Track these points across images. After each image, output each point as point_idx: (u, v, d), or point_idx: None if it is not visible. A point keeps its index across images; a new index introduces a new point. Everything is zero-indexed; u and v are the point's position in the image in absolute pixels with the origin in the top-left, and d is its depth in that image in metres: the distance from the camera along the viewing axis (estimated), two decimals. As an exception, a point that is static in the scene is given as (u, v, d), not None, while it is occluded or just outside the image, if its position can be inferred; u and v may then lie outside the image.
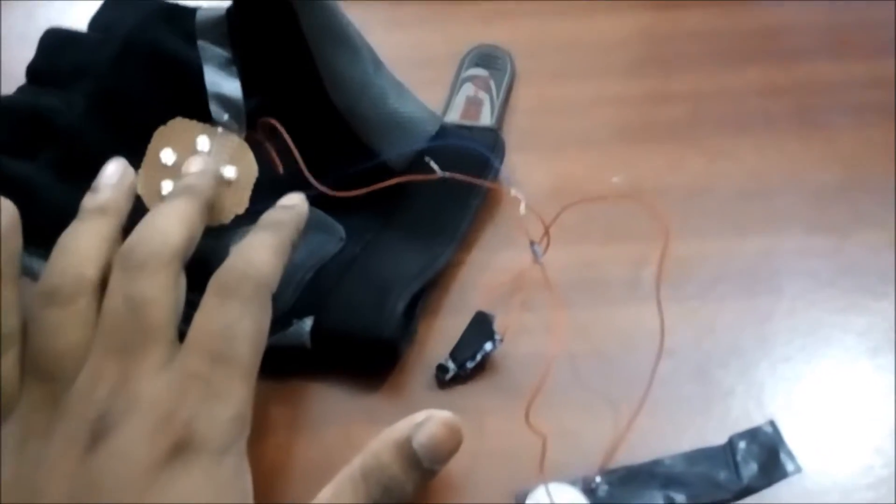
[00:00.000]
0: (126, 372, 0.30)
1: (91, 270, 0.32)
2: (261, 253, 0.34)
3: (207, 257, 0.42)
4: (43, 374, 0.31)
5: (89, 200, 0.36)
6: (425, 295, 0.42)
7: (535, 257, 0.40)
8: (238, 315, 0.32)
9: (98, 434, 0.29)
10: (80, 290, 0.32)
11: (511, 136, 0.48)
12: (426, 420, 0.34)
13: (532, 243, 0.40)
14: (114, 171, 0.37)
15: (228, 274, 0.33)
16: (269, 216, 0.38)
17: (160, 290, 0.32)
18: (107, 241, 0.34)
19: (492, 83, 0.50)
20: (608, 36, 0.54)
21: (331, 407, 0.40)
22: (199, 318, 0.32)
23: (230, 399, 0.31)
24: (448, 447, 0.34)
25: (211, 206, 0.38)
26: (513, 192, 0.40)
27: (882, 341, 0.40)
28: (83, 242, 0.33)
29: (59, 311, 0.31)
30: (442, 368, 0.40)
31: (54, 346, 0.31)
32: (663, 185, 0.47)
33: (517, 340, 0.41)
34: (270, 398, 0.40)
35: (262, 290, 0.33)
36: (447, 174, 0.42)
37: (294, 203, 0.39)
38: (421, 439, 0.33)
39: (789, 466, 0.36)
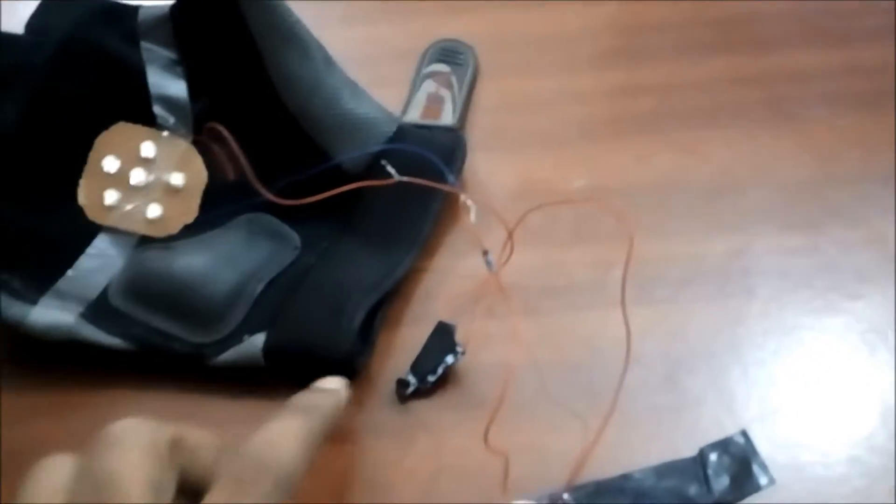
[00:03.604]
0: None
1: None
2: (287, 442, 0.29)
3: (153, 271, 0.40)
4: None
5: None
6: (385, 305, 0.40)
7: (489, 268, 0.38)
8: None
9: None
10: None
11: (474, 135, 0.47)
12: None
13: (485, 253, 0.38)
14: None
15: (246, 463, 0.28)
16: (303, 398, 0.33)
17: None
18: None
19: (454, 79, 0.48)
20: (574, 28, 0.52)
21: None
22: None
23: None
24: None
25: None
26: (462, 198, 0.39)
27: (857, 343, 0.39)
28: None
29: None
30: (402, 383, 0.38)
31: None
32: (630, 182, 0.45)
33: (481, 350, 0.39)
34: (225, 418, 0.38)
35: (283, 488, 0.28)
36: (405, 178, 0.40)
37: (334, 387, 0.35)
38: None
39: (762, 479, 0.35)
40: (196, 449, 0.29)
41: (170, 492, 0.27)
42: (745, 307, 0.40)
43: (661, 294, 0.41)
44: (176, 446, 0.28)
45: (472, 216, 0.39)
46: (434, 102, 0.47)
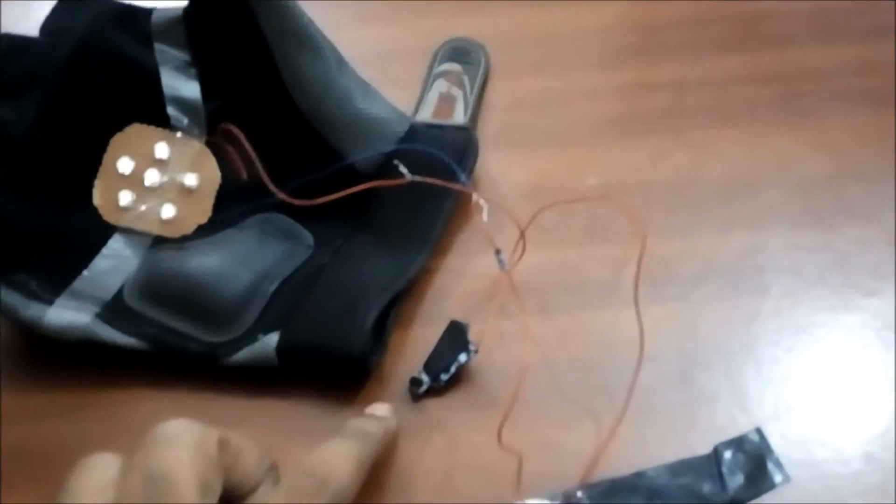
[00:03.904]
0: None
1: None
2: (342, 462, 0.32)
3: (168, 271, 0.41)
4: None
5: None
6: (398, 304, 0.40)
7: (501, 267, 0.38)
8: None
9: None
10: None
11: (486, 134, 0.47)
12: None
13: (498, 252, 0.38)
14: None
15: (306, 480, 0.30)
16: (356, 424, 0.35)
17: None
18: None
19: (465, 78, 0.48)
20: (587, 26, 0.52)
21: (302, 424, 0.38)
22: None
23: None
24: None
25: None
26: (475, 197, 0.39)
27: (873, 339, 0.38)
28: None
29: None
30: (415, 382, 0.38)
31: None
32: (645, 180, 0.45)
33: (494, 349, 0.39)
34: (239, 418, 0.38)
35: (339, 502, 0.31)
36: (417, 178, 0.40)
37: (384, 415, 0.37)
38: None
39: (777, 477, 0.35)
40: (239, 453, 0.29)
41: (217, 493, 0.28)
42: (759, 305, 0.40)
43: (675, 292, 0.41)
44: (223, 449, 0.29)
45: (485, 215, 0.39)
46: (446, 102, 0.47)
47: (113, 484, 0.27)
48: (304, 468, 0.31)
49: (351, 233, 0.42)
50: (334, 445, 0.33)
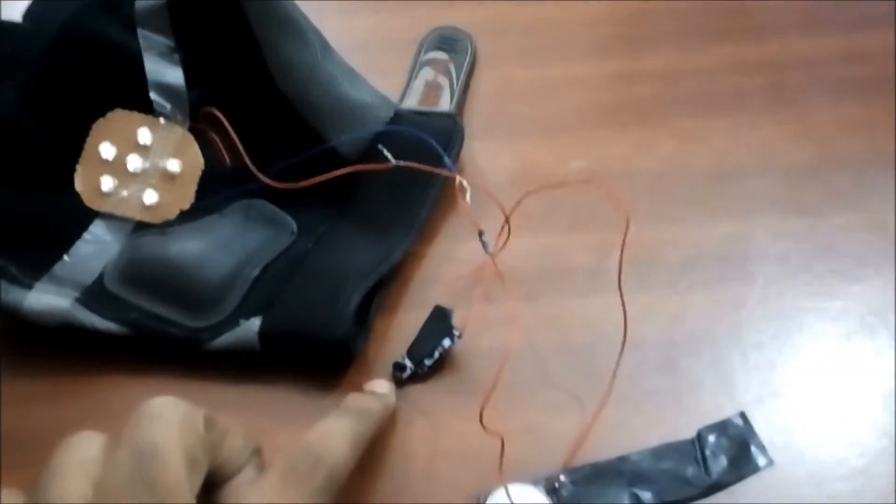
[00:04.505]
0: None
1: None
2: (339, 441, 0.31)
3: (149, 256, 0.40)
4: None
5: None
6: (382, 289, 0.40)
7: (485, 249, 0.38)
8: None
9: None
10: None
11: (472, 122, 0.47)
12: None
13: (481, 234, 0.38)
14: None
15: (301, 457, 0.30)
16: (357, 401, 0.35)
17: None
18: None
19: (452, 66, 0.48)
20: (575, 15, 0.52)
21: (285, 409, 0.38)
22: (259, 499, 0.29)
23: None
24: None
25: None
26: (458, 179, 0.38)
27: (856, 326, 0.38)
28: None
29: None
30: (399, 367, 0.38)
31: None
32: (632, 168, 0.45)
33: (478, 335, 0.39)
34: (221, 403, 0.38)
35: (333, 483, 0.30)
36: (401, 163, 0.40)
37: (384, 392, 0.37)
38: None
39: (760, 460, 0.35)
40: (224, 433, 0.29)
41: (203, 470, 0.28)
42: (745, 292, 0.40)
43: (661, 279, 0.41)
44: (209, 427, 0.28)
45: (468, 197, 0.39)
46: (432, 90, 0.47)
47: (98, 460, 0.27)
48: (300, 445, 0.31)
49: (335, 218, 0.41)
50: (331, 422, 0.32)
